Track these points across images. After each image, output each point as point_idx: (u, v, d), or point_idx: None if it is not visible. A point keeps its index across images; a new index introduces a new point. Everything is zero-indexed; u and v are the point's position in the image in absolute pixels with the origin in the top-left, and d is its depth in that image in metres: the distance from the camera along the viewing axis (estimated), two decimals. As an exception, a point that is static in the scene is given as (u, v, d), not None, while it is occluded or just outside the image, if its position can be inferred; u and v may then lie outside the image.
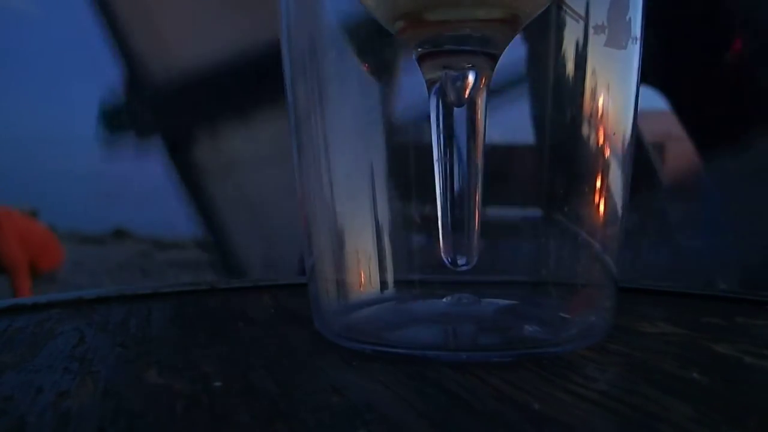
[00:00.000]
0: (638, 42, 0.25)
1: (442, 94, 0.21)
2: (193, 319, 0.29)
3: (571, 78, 0.24)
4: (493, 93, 0.22)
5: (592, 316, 0.25)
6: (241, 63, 1.18)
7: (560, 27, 0.24)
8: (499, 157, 0.26)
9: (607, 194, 0.25)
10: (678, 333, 0.26)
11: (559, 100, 0.25)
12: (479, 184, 0.22)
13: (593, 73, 0.24)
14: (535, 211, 0.26)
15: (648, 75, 0.25)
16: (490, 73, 0.22)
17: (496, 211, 0.26)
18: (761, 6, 0.74)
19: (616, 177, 0.25)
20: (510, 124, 0.27)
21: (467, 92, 0.21)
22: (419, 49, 0.21)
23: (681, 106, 0.79)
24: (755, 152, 0.72)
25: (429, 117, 0.22)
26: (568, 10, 0.23)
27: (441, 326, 0.24)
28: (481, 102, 0.21)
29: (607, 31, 0.24)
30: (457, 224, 0.22)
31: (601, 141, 0.25)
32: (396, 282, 0.26)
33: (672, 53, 0.71)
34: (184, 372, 0.21)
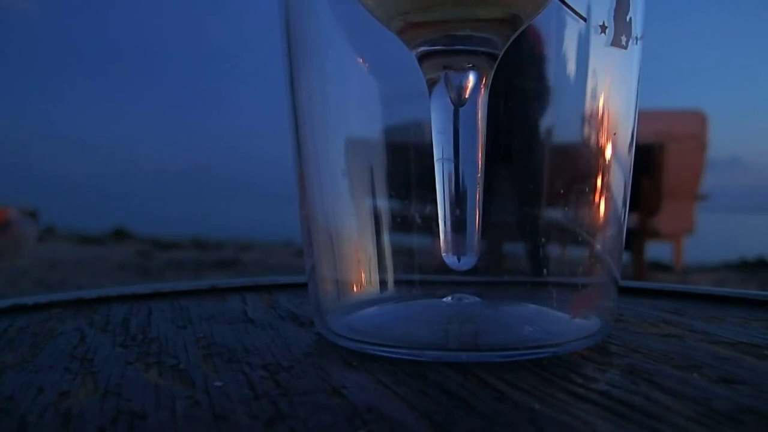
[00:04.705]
0: (639, 42, 0.25)
1: (442, 94, 0.21)
2: (193, 319, 0.29)
3: (571, 78, 0.24)
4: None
5: (592, 316, 0.25)
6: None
7: (560, 27, 0.24)
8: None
9: (607, 194, 0.25)
10: (678, 333, 0.26)
11: (560, 100, 0.25)
12: (480, 184, 0.22)
13: (594, 73, 0.24)
14: (535, 211, 0.26)
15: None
16: (491, 72, 0.22)
17: (496, 211, 0.26)
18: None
19: (616, 177, 0.25)
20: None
21: (467, 92, 0.21)
22: (419, 49, 0.21)
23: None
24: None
25: (429, 117, 0.22)
26: (569, 10, 0.23)
27: (441, 326, 0.24)
28: (481, 102, 0.21)
29: (608, 31, 0.24)
30: (458, 224, 0.22)
31: (601, 141, 0.25)
32: (396, 282, 0.26)
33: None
34: (184, 372, 0.21)
